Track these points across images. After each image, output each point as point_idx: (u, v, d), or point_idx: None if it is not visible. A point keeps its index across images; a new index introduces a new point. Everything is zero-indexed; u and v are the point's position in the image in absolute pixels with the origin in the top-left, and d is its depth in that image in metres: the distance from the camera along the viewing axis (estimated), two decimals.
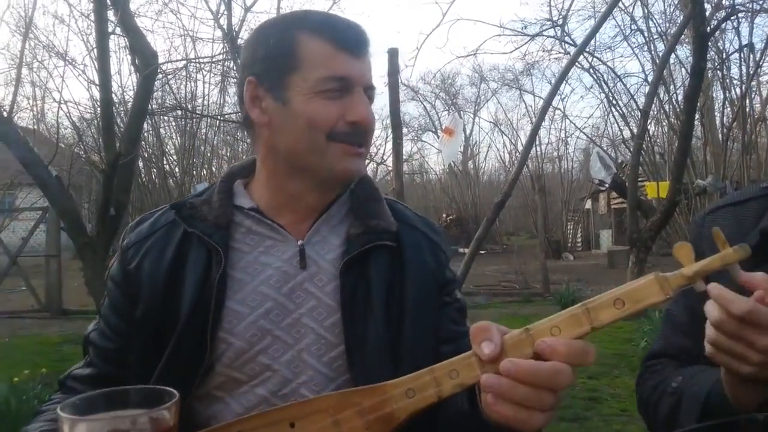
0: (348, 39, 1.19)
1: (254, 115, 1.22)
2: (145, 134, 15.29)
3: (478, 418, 0.92)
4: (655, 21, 15.00)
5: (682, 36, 10.99)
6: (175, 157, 18.35)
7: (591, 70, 15.99)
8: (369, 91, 1.22)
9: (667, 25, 14.74)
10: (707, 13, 8.96)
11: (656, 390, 1.28)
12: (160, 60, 7.78)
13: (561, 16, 12.78)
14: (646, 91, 12.44)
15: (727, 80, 14.77)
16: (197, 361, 1.16)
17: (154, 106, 13.78)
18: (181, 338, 1.17)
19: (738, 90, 14.40)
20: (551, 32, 13.32)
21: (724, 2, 10.67)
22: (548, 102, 9.16)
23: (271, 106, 1.20)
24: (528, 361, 0.84)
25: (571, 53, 10.79)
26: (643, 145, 12.69)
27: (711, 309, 1.00)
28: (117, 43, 13.64)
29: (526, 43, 13.50)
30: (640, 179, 12.18)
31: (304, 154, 1.19)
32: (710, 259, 0.89)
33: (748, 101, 13.94)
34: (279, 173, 1.24)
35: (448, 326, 1.25)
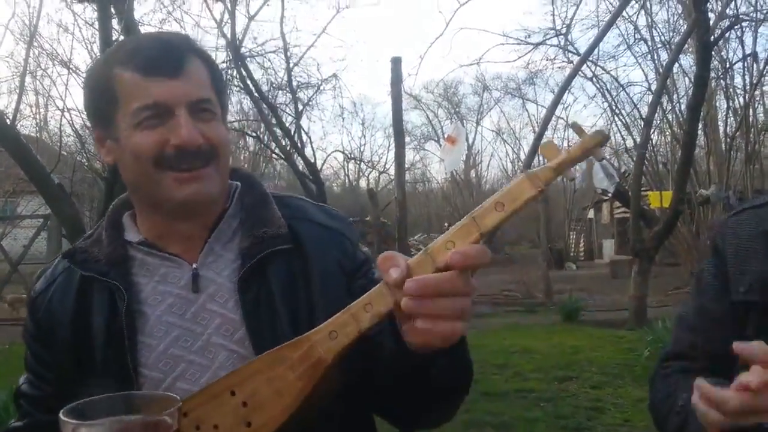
0: (156, 62, 1.15)
1: (103, 155, 1.25)
2: None
3: (406, 351, 0.93)
4: (658, 30, 15.04)
5: (686, 45, 11.00)
6: None
7: (594, 79, 15.99)
8: (201, 104, 1.16)
9: (671, 34, 14.77)
10: (711, 23, 8.97)
11: (666, 402, 1.31)
12: None
13: (564, 26, 12.84)
14: (649, 101, 12.44)
15: (731, 89, 14.82)
16: None
17: None
18: (101, 379, 1.16)
19: (741, 99, 14.43)
20: (554, 41, 13.37)
21: (727, 11, 10.69)
22: (551, 111, 9.16)
23: (112, 146, 1.21)
24: (427, 275, 0.87)
25: (575, 62, 10.81)
26: (646, 155, 12.69)
27: (706, 411, 1.01)
28: None
29: (529, 52, 13.56)
30: (643, 189, 12.18)
31: (144, 187, 1.20)
32: (572, 149, 0.92)
33: (751, 110, 13.98)
34: (144, 207, 1.25)
35: None
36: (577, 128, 0.94)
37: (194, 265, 1.21)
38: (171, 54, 1.16)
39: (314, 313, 1.18)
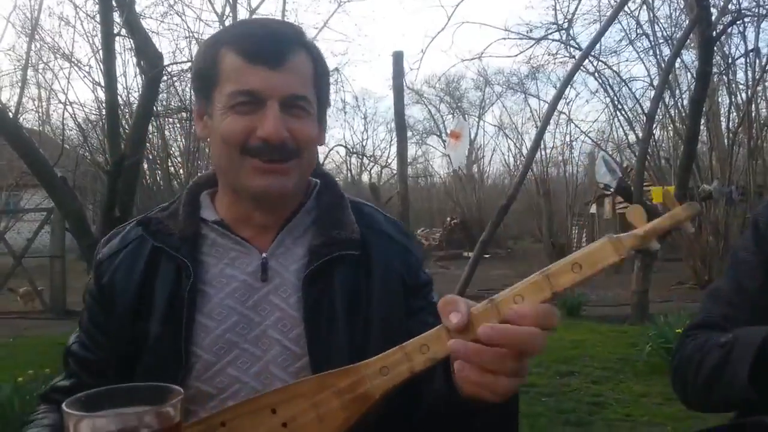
0: (260, 51, 1.16)
1: (198, 129, 1.26)
2: (150, 136, 15.32)
3: (455, 395, 0.93)
4: (660, 25, 14.99)
5: (688, 40, 10.97)
6: (179, 159, 18.38)
7: (596, 74, 15.98)
8: (294, 100, 1.17)
9: (673, 29, 14.72)
10: (713, 18, 8.95)
11: (701, 349, 1.32)
12: (166, 62, 7.80)
13: (566, 20, 12.80)
14: (652, 96, 12.42)
15: (733, 85, 14.78)
16: (173, 374, 1.16)
17: (159, 108, 13.81)
18: (155, 352, 1.18)
19: (744, 95, 14.40)
20: (556, 36, 13.34)
21: (730, 7, 10.65)
22: (553, 106, 9.14)
23: (208, 122, 1.22)
24: (503, 325, 0.85)
25: (577, 57, 10.78)
26: (649, 150, 12.67)
27: None
28: (122, 44, 13.65)
29: (531, 46, 13.60)
30: (645, 184, 12.16)
31: (226, 169, 1.21)
32: (661, 219, 0.90)
33: (753, 106, 13.96)
34: (227, 188, 1.26)
35: (423, 331, 1.22)
36: (669, 198, 0.92)
37: (264, 254, 1.22)
38: (277, 44, 1.17)
39: (371, 323, 1.19)
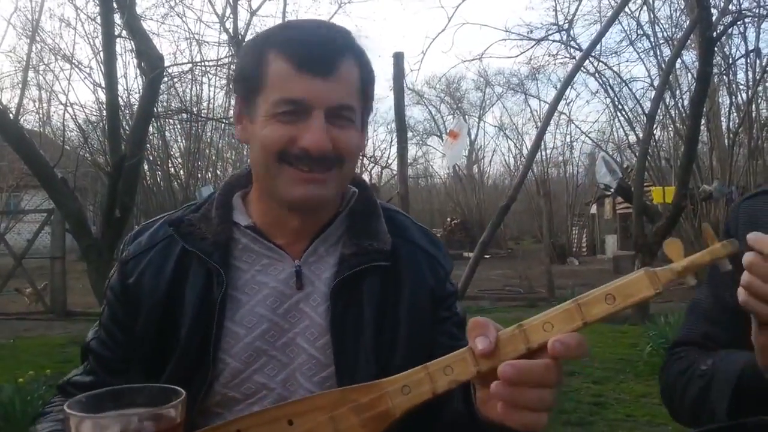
0: (310, 58, 1.11)
1: (237, 132, 1.23)
2: (151, 137, 15.34)
3: (473, 416, 0.92)
4: (661, 26, 15.01)
5: (689, 41, 10.97)
6: (180, 159, 18.41)
7: (597, 75, 16.03)
8: (340, 111, 1.14)
9: (673, 29, 14.76)
10: (713, 18, 8.94)
11: (684, 374, 1.29)
12: (166, 63, 7.80)
13: (567, 21, 12.83)
14: (652, 96, 12.42)
15: (734, 85, 14.79)
16: (199, 380, 1.15)
17: (159, 109, 13.80)
18: (182, 356, 1.16)
19: (744, 95, 14.41)
20: (557, 37, 13.35)
21: (730, 7, 10.65)
22: (554, 106, 9.14)
23: (248, 125, 1.19)
24: (526, 362, 0.84)
25: (577, 58, 10.79)
26: (649, 150, 12.67)
27: (746, 254, 1.00)
28: (123, 46, 13.70)
29: (531, 47, 13.64)
30: (645, 184, 12.16)
31: (263, 176, 1.19)
32: (699, 254, 0.89)
33: (754, 106, 13.96)
34: (261, 194, 1.24)
35: (446, 342, 1.21)
36: (710, 234, 0.91)
37: (297, 262, 1.20)
38: (327, 52, 1.13)
39: (398, 335, 1.19)
